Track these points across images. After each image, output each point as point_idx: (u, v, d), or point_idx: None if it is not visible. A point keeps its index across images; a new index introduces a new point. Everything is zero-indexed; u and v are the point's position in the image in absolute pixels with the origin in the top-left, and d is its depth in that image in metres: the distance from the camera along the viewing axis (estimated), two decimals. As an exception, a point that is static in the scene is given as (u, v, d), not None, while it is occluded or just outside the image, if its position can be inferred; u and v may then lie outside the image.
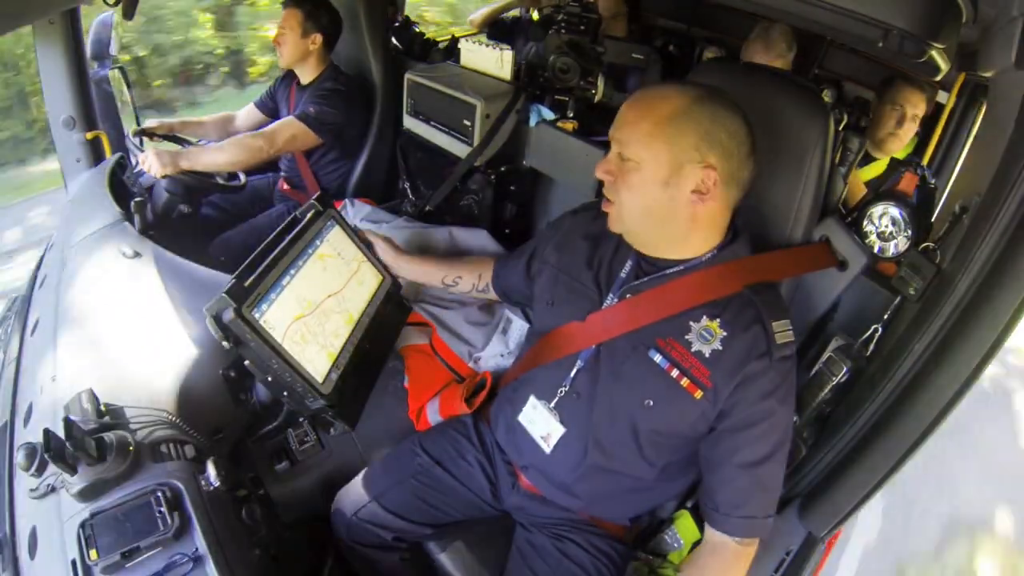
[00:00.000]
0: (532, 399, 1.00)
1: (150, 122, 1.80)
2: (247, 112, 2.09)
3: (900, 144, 1.95)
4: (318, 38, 1.83)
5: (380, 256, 1.26)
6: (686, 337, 0.87)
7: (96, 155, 1.79)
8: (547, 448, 0.98)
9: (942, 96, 2.07)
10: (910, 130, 1.92)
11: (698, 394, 0.85)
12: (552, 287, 1.02)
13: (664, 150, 0.81)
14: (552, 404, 0.97)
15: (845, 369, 0.94)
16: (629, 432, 0.91)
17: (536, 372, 1.01)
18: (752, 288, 0.87)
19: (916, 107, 1.88)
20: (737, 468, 0.84)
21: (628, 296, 0.91)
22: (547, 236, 1.10)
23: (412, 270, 1.27)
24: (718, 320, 0.86)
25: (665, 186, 0.82)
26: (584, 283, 0.97)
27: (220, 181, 1.71)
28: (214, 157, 1.66)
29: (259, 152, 1.71)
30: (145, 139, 1.78)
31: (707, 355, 0.85)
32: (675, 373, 0.86)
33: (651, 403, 0.88)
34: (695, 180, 0.82)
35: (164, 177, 1.58)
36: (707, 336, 0.86)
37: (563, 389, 0.96)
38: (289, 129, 1.77)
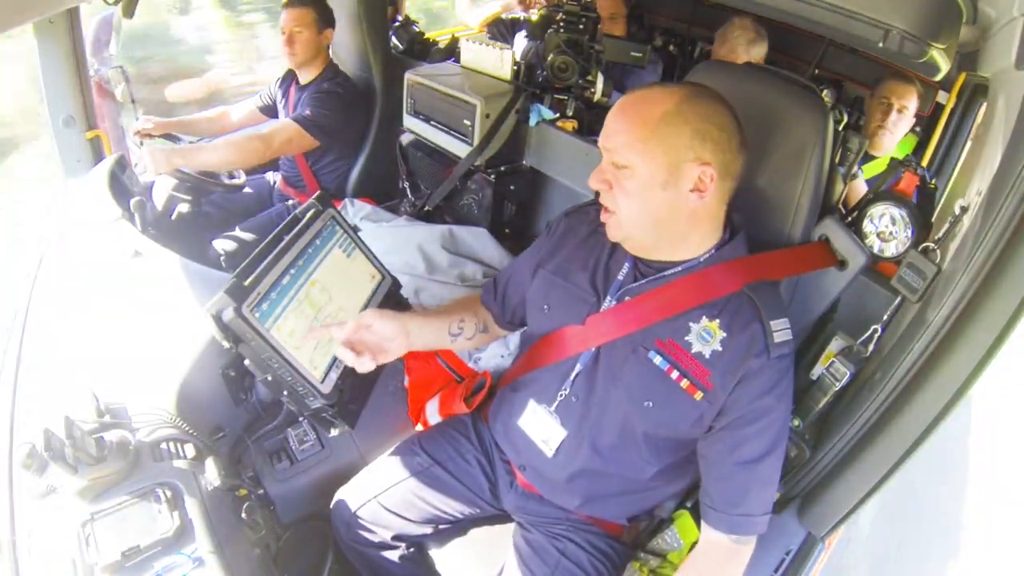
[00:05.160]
0: (532, 403, 1.00)
1: (142, 121, 1.80)
2: (244, 110, 2.09)
3: (892, 139, 1.92)
4: (329, 33, 1.85)
5: (371, 335, 0.93)
6: (686, 338, 0.87)
7: (96, 154, 1.80)
8: (549, 452, 0.97)
9: (942, 96, 2.07)
10: (900, 123, 1.90)
11: (698, 395, 0.85)
12: (548, 291, 1.01)
13: (660, 152, 0.80)
14: (552, 408, 0.97)
15: (849, 374, 0.94)
16: (628, 433, 0.91)
17: (534, 375, 1.01)
18: (751, 287, 0.87)
19: (902, 99, 1.86)
20: (735, 465, 0.84)
21: (626, 298, 0.91)
22: (542, 242, 1.06)
23: (421, 332, 1.00)
24: (717, 320, 0.86)
25: (664, 188, 0.82)
26: (581, 286, 0.96)
27: (220, 180, 1.72)
28: (209, 156, 1.67)
29: (255, 154, 1.72)
30: (144, 138, 1.78)
31: (707, 356, 0.85)
32: (675, 375, 0.86)
33: (650, 404, 0.87)
34: (693, 178, 0.81)
35: (160, 175, 1.58)
36: (707, 337, 0.86)
37: (563, 392, 0.96)
38: (285, 132, 1.78)
